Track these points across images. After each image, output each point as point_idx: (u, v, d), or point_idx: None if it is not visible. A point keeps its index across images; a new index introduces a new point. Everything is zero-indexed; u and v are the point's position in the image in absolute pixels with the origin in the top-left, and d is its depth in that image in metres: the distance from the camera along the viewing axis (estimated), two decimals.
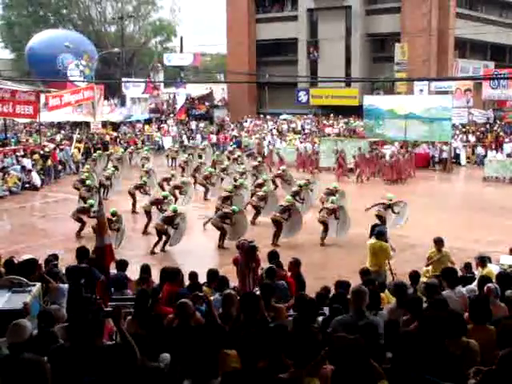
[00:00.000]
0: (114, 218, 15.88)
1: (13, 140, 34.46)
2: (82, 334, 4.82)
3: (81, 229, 17.39)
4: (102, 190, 23.16)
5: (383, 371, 3.95)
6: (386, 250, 11.44)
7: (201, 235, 17.48)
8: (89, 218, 17.07)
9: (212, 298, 7.53)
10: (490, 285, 7.08)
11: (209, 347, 4.42)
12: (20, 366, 3.41)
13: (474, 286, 8.54)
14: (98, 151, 31.63)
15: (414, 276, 9.22)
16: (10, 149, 29.12)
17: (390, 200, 17.18)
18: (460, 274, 9.36)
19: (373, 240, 11.51)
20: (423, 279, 9.63)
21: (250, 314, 5.62)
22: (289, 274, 9.26)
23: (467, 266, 10.55)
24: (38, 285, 6.93)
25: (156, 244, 15.93)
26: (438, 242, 11.57)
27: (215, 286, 8.42)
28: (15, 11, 63.67)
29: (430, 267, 11.52)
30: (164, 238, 15.93)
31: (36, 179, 26.09)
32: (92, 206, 17.52)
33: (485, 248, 13.35)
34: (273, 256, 9.72)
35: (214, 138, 40.61)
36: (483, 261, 10.12)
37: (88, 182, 21.50)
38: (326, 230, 16.75)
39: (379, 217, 16.23)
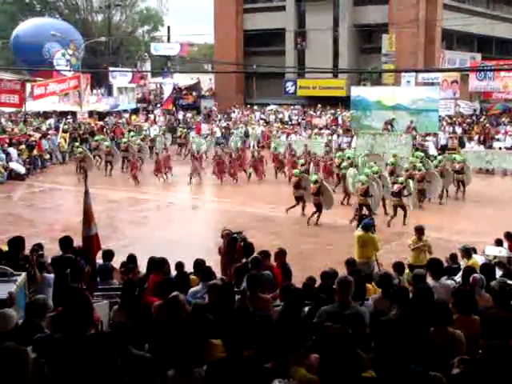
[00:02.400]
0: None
1: None
2: (74, 324, 4.78)
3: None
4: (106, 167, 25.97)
5: (369, 361, 3.97)
6: (374, 241, 11.48)
7: (189, 224, 17.44)
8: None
9: (197, 287, 7.54)
10: (475, 275, 7.13)
11: (197, 337, 4.42)
12: (1, 355, 3.36)
13: (458, 277, 8.61)
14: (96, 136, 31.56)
15: (399, 266, 9.27)
16: None
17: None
18: (445, 264, 9.42)
19: (360, 232, 11.53)
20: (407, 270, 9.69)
21: (223, 303, 5.62)
22: (275, 263, 9.23)
23: (452, 257, 10.64)
24: (24, 274, 6.87)
25: (292, 207, 18.56)
26: (419, 230, 11.76)
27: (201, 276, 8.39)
28: None
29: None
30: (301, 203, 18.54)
31: (18, 168, 25.81)
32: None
33: (469, 239, 13.43)
34: (247, 249, 9.38)
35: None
36: (468, 252, 10.22)
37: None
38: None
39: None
